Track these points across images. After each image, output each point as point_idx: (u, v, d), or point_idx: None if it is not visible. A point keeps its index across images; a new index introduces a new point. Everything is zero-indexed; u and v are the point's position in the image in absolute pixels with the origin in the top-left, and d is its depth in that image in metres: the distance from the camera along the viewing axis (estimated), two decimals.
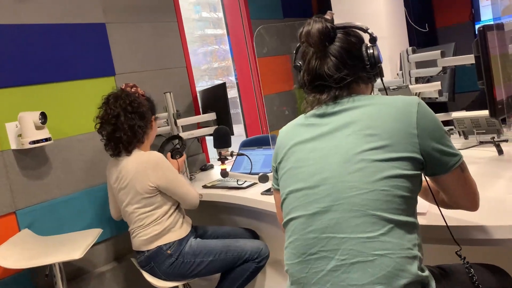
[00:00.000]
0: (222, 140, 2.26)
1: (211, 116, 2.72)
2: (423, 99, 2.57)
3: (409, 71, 2.51)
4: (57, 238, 2.26)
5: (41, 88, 2.42)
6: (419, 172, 1.13)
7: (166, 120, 2.74)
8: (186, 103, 3.14)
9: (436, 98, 2.46)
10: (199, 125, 3.02)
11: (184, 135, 2.64)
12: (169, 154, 2.39)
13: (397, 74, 2.68)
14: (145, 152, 2.08)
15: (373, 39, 1.25)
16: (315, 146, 1.17)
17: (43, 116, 2.22)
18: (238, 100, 3.92)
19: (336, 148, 1.13)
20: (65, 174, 2.48)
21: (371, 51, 1.23)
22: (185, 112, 3.11)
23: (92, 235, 2.21)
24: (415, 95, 2.44)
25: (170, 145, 2.56)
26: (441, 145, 1.13)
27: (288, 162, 1.22)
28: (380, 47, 1.17)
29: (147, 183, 2.01)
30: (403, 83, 2.58)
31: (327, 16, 1.26)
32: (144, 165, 2.02)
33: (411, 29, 3.66)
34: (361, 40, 1.25)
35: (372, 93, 1.39)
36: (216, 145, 2.27)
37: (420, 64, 2.55)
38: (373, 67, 1.23)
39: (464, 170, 1.18)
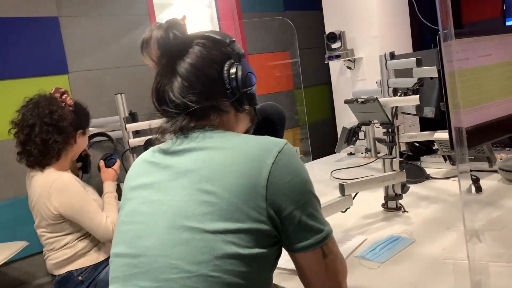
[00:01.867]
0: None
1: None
2: (403, 113, 2.15)
3: (387, 80, 2.10)
4: None
5: None
6: (266, 250, 0.82)
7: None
8: None
9: (415, 114, 2.05)
10: None
11: (135, 141, 2.40)
12: (102, 162, 2.13)
13: (376, 82, 2.28)
14: (55, 172, 1.83)
15: (237, 56, 0.95)
16: (149, 196, 0.90)
17: None
18: None
19: (167, 206, 0.85)
20: (4, 178, 2.34)
21: (234, 70, 0.93)
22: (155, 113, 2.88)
23: (11, 249, 2.05)
24: (392, 110, 2.03)
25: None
26: (301, 213, 0.83)
27: (122, 212, 0.96)
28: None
29: (50, 209, 1.78)
30: (381, 93, 2.18)
31: (180, 21, 0.97)
32: (47, 189, 1.78)
33: (426, 26, 3.18)
34: (226, 56, 0.95)
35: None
36: None
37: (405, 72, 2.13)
38: (235, 93, 0.93)
39: (327, 255, 0.86)
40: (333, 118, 3.18)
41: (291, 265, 0.90)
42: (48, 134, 1.80)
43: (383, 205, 1.62)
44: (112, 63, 2.73)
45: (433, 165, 2.11)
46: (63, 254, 1.84)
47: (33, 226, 2.16)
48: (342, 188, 1.39)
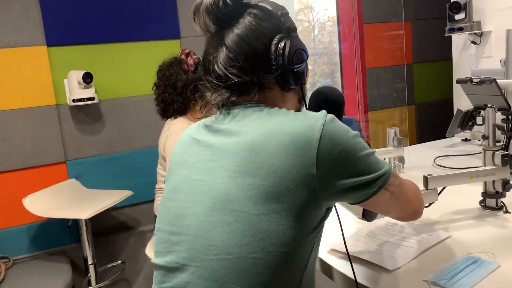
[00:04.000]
0: None
1: None
2: None
3: None
4: (93, 193, 2.39)
5: (104, 47, 2.51)
6: (312, 231, 0.82)
7: None
8: None
9: None
10: None
11: None
12: None
13: (500, 61, 1.97)
14: (177, 120, 1.98)
15: (287, 30, 0.89)
16: (190, 175, 0.91)
17: (88, 75, 2.30)
18: (339, 73, 3.48)
19: (208, 187, 0.85)
20: (118, 133, 2.58)
21: (282, 45, 0.88)
22: None
23: (118, 196, 2.28)
24: None
25: None
26: (356, 177, 0.82)
27: (166, 186, 0.98)
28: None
29: (161, 148, 1.97)
30: (504, 74, 1.88)
31: None
32: (166, 132, 1.97)
33: None
34: (277, 29, 0.90)
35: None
36: None
37: None
38: (280, 69, 0.88)
39: (394, 191, 0.90)
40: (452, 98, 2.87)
41: None
42: (167, 95, 1.96)
43: (480, 202, 1.42)
44: None
45: None
46: None
47: (138, 178, 2.41)
48: (426, 181, 1.25)
